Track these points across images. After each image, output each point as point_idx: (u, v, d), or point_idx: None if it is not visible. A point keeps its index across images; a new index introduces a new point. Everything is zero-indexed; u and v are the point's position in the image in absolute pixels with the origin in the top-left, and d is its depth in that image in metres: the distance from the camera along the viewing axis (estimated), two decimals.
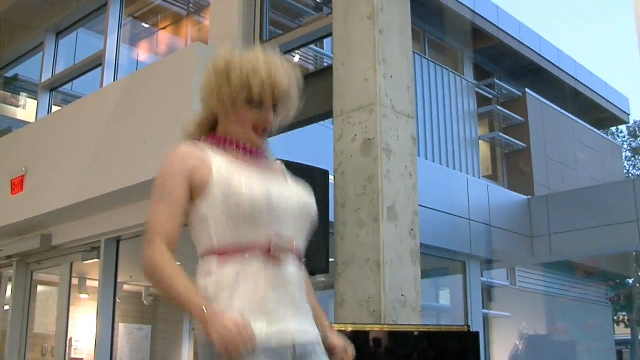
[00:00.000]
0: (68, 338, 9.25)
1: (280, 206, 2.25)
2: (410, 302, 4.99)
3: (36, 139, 8.94)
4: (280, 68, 2.34)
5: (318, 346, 2.30)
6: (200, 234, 2.24)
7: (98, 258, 8.55)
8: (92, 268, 9.29)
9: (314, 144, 7.00)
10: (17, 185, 8.74)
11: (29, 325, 9.73)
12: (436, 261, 10.24)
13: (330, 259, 5.17)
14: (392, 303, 4.87)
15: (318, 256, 5.05)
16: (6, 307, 10.22)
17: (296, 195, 2.36)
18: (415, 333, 4.37)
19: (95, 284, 8.99)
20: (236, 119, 2.33)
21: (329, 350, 2.42)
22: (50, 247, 8.87)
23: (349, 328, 4.25)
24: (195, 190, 2.23)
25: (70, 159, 7.98)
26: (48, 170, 8.37)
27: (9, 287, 10.16)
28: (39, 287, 10.23)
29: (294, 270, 2.26)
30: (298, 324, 2.23)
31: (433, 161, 10.92)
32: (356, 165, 5.16)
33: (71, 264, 9.22)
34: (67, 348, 9.24)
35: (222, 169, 2.24)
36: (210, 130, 2.41)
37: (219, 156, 2.29)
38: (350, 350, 2.51)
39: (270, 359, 2.10)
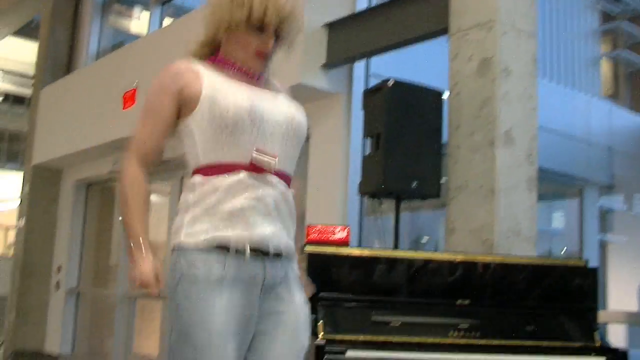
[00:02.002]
0: None
1: (266, 119, 2.23)
2: (525, 232, 4.76)
3: (148, 53, 8.97)
4: None
5: (291, 272, 2.31)
6: (188, 151, 2.27)
7: None
8: None
9: (428, 62, 6.72)
10: (128, 99, 8.82)
11: None
12: (551, 186, 9.87)
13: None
14: (505, 233, 4.66)
15: (429, 180, 4.88)
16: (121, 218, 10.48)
17: (286, 111, 2.31)
18: (528, 266, 4.16)
19: None
20: (238, 43, 2.30)
21: None
22: (161, 160, 8.97)
23: (459, 258, 4.07)
24: (185, 107, 2.24)
25: None
26: None
27: None
28: (153, 197, 10.42)
29: (277, 192, 2.23)
30: (273, 230, 2.21)
31: (550, 81, 10.42)
32: (472, 86, 4.90)
33: (181, 178, 9.32)
34: None
35: (213, 84, 2.24)
36: (213, 53, 2.38)
37: (214, 74, 2.28)
38: (308, 290, 2.54)
39: (237, 287, 2.14)
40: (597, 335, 3.88)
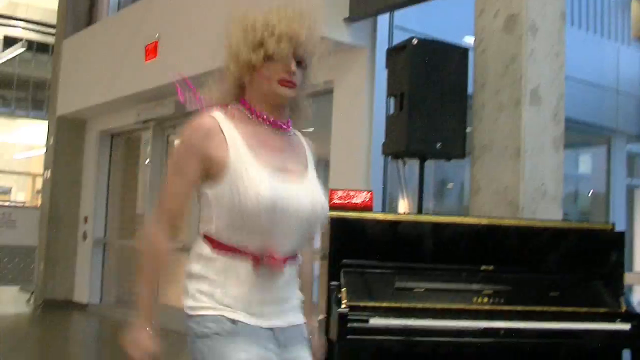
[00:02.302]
0: None
1: (287, 212, 2.19)
2: (551, 192, 4.70)
3: (170, 4, 8.87)
4: (296, 19, 2.26)
5: (301, 335, 2.33)
6: (204, 214, 2.25)
7: None
8: None
9: (454, 15, 6.58)
10: (150, 51, 8.76)
11: None
12: (578, 136, 9.73)
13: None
14: (531, 194, 4.61)
15: (454, 140, 4.81)
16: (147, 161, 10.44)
17: (310, 201, 2.26)
18: (553, 230, 4.11)
19: None
20: (261, 77, 2.25)
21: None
22: (184, 113, 8.95)
23: (483, 222, 4.04)
24: (208, 174, 2.20)
25: (204, 24, 7.85)
26: (181, 36, 8.32)
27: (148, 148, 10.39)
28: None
29: (283, 276, 2.25)
30: (279, 313, 2.26)
31: (579, 29, 10.20)
32: (498, 43, 4.79)
33: None
34: None
35: (237, 162, 2.18)
36: (238, 96, 2.34)
37: (239, 140, 2.22)
38: (318, 354, 2.51)
39: (253, 339, 2.16)
40: (622, 301, 3.84)
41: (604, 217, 9.72)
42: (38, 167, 16.18)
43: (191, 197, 2.23)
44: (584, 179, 11.73)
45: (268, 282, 2.20)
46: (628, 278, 4.48)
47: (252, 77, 2.26)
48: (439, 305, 3.69)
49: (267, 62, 2.22)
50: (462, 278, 3.83)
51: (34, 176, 18.90)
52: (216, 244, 2.19)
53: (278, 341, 2.21)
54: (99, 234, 10.76)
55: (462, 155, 4.87)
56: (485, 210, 4.70)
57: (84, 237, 10.81)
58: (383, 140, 4.96)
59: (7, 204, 15.94)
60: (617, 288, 3.90)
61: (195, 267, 2.22)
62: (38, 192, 17.11)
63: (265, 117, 2.28)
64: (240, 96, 2.32)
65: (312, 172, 2.37)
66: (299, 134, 2.43)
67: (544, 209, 4.62)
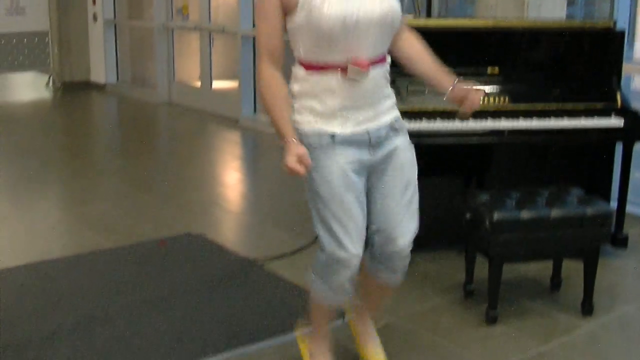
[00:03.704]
0: None
1: (360, 22, 2.41)
2: None
3: None
4: None
5: (393, 130, 2.64)
6: (293, 44, 2.54)
7: None
8: None
9: None
10: None
11: None
12: None
13: None
14: None
15: None
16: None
17: (380, 7, 2.46)
18: (557, 30, 4.30)
19: None
20: None
21: (455, 99, 2.77)
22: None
23: (490, 24, 4.24)
24: (287, 7, 2.45)
25: None
26: None
27: None
28: None
29: (371, 80, 2.51)
30: (372, 117, 2.57)
31: None
32: None
33: None
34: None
35: None
36: None
37: None
38: (478, 94, 2.79)
39: (348, 147, 2.53)
40: (619, 97, 4.11)
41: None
42: None
43: (281, 33, 2.50)
44: None
45: (357, 87, 2.50)
46: (627, 68, 4.69)
47: None
48: (449, 107, 3.94)
49: None
50: (469, 81, 4.06)
51: None
52: (307, 65, 2.52)
53: (371, 143, 2.57)
54: (109, 15, 10.82)
55: None
56: (492, 4, 4.85)
57: (94, 18, 10.89)
58: None
59: None
60: (615, 84, 4.16)
61: (295, 87, 2.57)
62: None
63: None
64: None
65: None
66: None
67: (549, 3, 4.77)
